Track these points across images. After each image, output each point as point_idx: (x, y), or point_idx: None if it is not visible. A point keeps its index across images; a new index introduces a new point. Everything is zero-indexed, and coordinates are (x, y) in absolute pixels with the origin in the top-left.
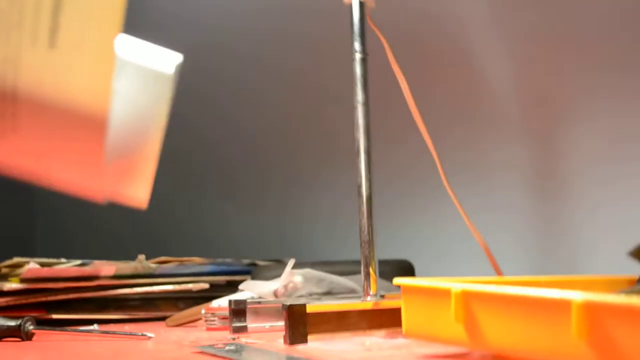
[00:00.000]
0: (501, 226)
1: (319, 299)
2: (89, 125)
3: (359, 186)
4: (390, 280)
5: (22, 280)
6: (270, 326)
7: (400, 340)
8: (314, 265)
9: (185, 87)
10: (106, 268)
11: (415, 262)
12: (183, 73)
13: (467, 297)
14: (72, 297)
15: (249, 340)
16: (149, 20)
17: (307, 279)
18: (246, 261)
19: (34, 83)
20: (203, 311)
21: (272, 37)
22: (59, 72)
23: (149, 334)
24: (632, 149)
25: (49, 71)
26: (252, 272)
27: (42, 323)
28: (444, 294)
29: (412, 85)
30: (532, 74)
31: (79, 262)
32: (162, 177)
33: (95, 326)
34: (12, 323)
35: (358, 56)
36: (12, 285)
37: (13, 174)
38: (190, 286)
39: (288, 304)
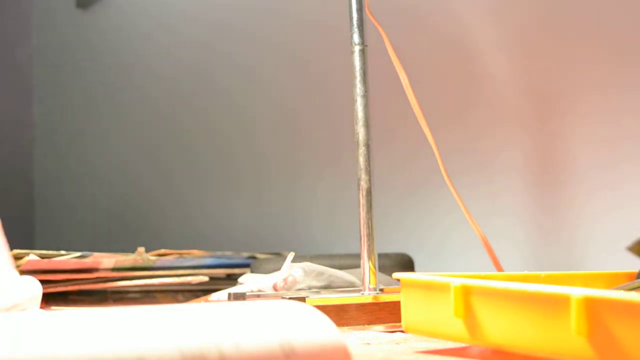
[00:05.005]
0: (500, 217)
1: (318, 293)
2: None
3: (359, 179)
4: (390, 274)
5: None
6: None
7: (400, 335)
8: (313, 258)
9: (191, 80)
10: (106, 260)
11: (415, 256)
12: (181, 71)
13: (467, 292)
14: (72, 289)
15: None
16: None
17: (306, 273)
18: (246, 254)
19: None
20: None
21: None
22: None
23: None
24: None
25: None
26: (252, 265)
27: None
28: (444, 288)
29: (412, 77)
30: (530, 63)
31: (78, 254)
32: (162, 170)
33: None
34: None
35: (357, 48)
36: None
37: None
38: (189, 279)
39: (287, 297)
